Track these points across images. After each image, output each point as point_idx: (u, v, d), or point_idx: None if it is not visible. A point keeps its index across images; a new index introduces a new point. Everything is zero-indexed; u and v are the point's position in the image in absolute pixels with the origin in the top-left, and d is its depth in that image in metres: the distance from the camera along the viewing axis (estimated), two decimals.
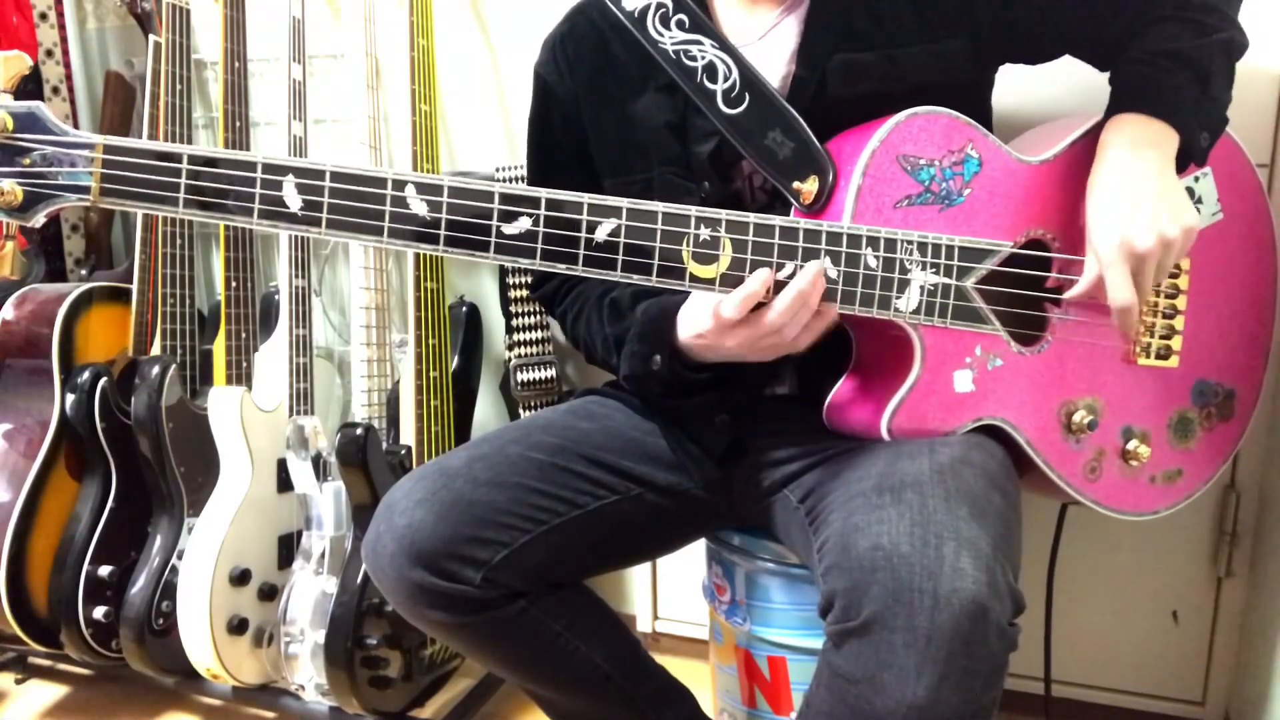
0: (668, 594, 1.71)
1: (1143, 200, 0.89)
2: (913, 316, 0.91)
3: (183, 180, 0.80)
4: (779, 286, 0.87)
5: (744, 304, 0.86)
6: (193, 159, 0.80)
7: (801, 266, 0.87)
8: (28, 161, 0.77)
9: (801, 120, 0.95)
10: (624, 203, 0.85)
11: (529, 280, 1.50)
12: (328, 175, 0.81)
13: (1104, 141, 0.93)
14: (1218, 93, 0.95)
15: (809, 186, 0.94)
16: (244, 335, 1.52)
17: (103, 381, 1.52)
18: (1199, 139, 0.93)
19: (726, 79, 0.97)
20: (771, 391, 1.08)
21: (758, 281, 0.86)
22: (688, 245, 0.86)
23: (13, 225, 1.68)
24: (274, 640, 1.44)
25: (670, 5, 0.99)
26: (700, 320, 0.92)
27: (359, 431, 1.34)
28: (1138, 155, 0.91)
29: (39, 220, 0.79)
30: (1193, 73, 0.92)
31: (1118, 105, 0.95)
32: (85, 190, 0.78)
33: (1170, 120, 0.92)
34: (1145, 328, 1.01)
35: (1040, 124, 1.11)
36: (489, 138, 1.63)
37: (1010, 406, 0.95)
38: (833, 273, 0.88)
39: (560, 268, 0.85)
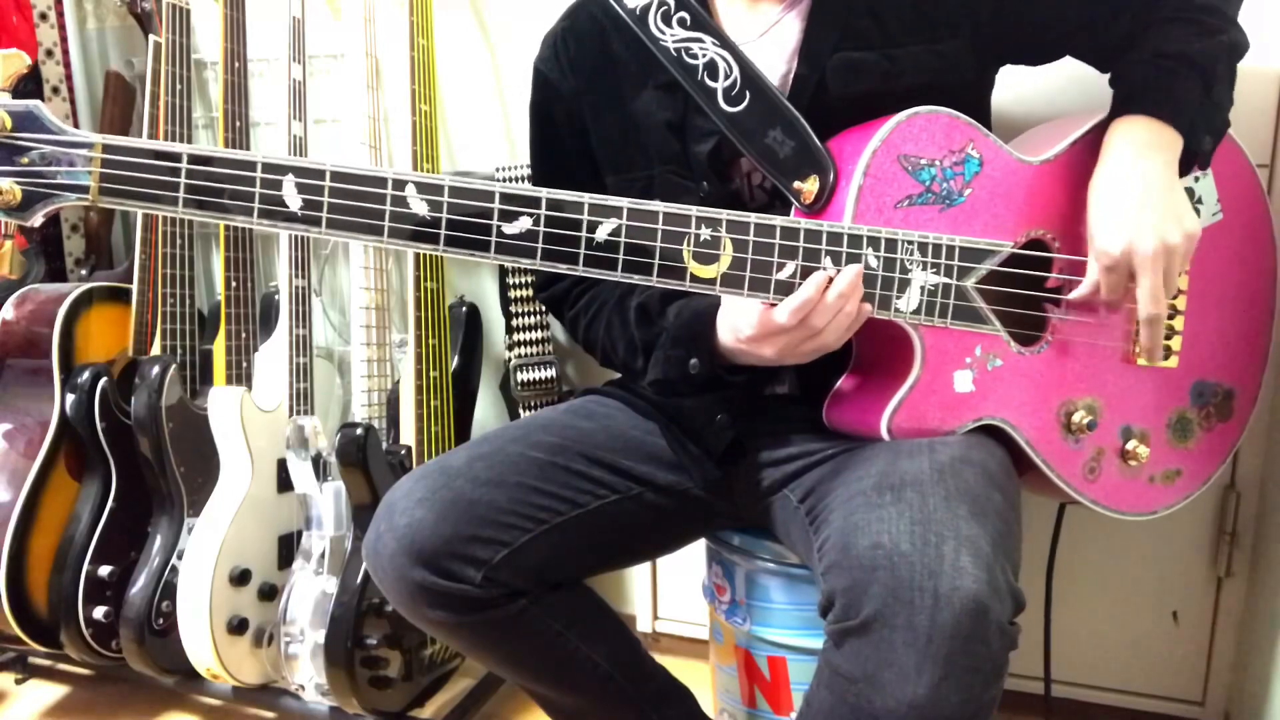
0: (668, 594, 1.70)
1: (1146, 205, 0.89)
2: (913, 317, 0.91)
3: (182, 180, 0.79)
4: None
5: (799, 310, 0.86)
6: (192, 158, 0.79)
7: (839, 270, 0.87)
8: (26, 160, 0.77)
9: (802, 119, 0.95)
10: (625, 203, 0.85)
11: (532, 281, 1.50)
12: (328, 175, 0.81)
13: (1108, 143, 0.93)
14: (1220, 96, 0.95)
15: (809, 186, 0.94)
16: (244, 335, 1.52)
17: (103, 381, 1.52)
18: (1202, 142, 0.93)
19: (727, 77, 0.97)
20: (771, 391, 1.08)
21: (813, 287, 0.86)
22: (688, 245, 0.86)
23: (12, 224, 1.68)
24: (274, 640, 1.44)
25: (672, 3, 0.99)
26: (742, 324, 0.91)
27: (359, 431, 1.34)
28: (1142, 158, 0.91)
29: (38, 219, 0.78)
30: (1197, 75, 0.92)
31: (1122, 106, 0.95)
32: (84, 190, 0.78)
33: (1174, 122, 0.91)
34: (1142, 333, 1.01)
35: (1041, 123, 1.11)
36: (489, 138, 1.63)
37: (1010, 406, 0.95)
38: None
39: (561, 267, 0.85)
